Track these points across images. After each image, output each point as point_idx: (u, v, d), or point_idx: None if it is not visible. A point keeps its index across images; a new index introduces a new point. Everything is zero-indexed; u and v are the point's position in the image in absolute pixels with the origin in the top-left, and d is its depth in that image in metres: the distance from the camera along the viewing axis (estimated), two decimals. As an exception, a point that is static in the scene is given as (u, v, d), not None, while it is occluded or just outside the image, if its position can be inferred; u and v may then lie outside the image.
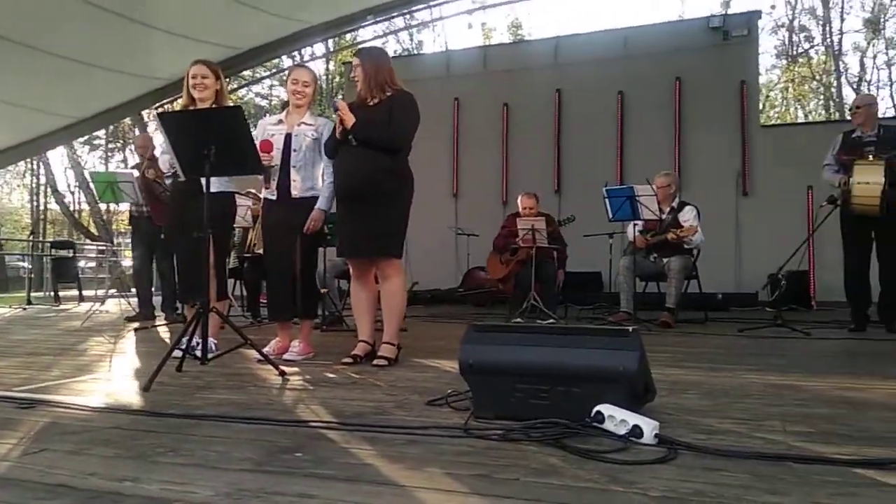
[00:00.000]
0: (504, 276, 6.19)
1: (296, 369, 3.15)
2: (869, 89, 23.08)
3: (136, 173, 5.55)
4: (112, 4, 7.49)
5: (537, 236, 5.65)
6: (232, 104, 3.92)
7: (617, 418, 1.85)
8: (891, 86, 23.37)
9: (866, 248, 4.91)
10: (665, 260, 5.54)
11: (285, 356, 3.43)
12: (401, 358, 3.37)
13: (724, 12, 17.73)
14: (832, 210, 4.86)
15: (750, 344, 4.41)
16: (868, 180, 4.50)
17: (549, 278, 5.99)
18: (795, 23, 24.58)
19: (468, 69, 9.43)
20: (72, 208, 25.23)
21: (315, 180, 3.56)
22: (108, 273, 12.16)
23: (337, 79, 23.36)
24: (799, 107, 25.84)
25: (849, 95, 22.67)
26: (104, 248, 13.72)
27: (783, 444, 1.82)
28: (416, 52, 22.34)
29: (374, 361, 3.22)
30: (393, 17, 12.59)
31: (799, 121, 23.36)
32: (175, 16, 8.07)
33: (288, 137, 3.53)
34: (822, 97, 25.03)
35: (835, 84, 23.08)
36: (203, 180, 2.99)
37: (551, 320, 5.61)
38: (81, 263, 14.36)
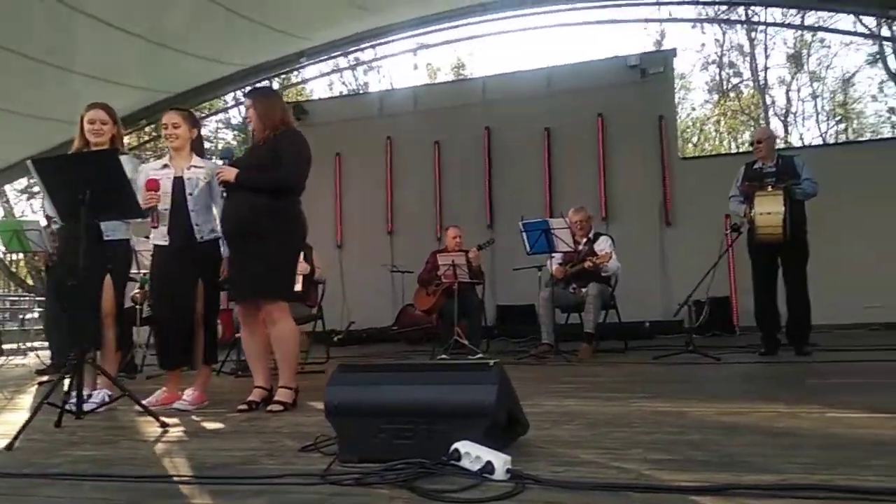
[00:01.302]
0: (430, 306, 6.19)
1: (181, 420, 3.03)
2: (795, 120, 24.25)
3: (43, 221, 5.38)
4: (32, 50, 7.36)
5: (458, 271, 5.66)
6: (125, 149, 3.85)
7: (472, 455, 1.82)
8: (816, 116, 24.58)
9: (772, 273, 5.08)
10: (584, 289, 5.62)
11: (176, 405, 3.31)
12: (300, 401, 3.29)
13: (657, 49, 18.44)
14: (736, 238, 5.02)
15: (661, 371, 4.47)
16: (769, 210, 4.68)
17: (474, 313, 6.00)
18: (724, 59, 25.77)
19: (400, 108, 9.52)
20: (8, 259, 24.26)
21: (214, 223, 3.49)
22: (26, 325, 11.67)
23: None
24: (731, 139, 26.87)
25: (776, 127, 23.76)
26: (27, 297, 13.17)
27: (634, 472, 1.82)
28: (362, 92, 22.38)
29: (269, 407, 3.13)
30: (330, 59, 12.72)
31: (720, 152, 24.20)
32: (98, 60, 7.98)
33: (179, 181, 3.46)
34: (752, 129, 26.13)
35: (763, 117, 24.14)
36: (95, 223, 2.90)
37: (479, 355, 5.60)
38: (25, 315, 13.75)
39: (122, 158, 3.12)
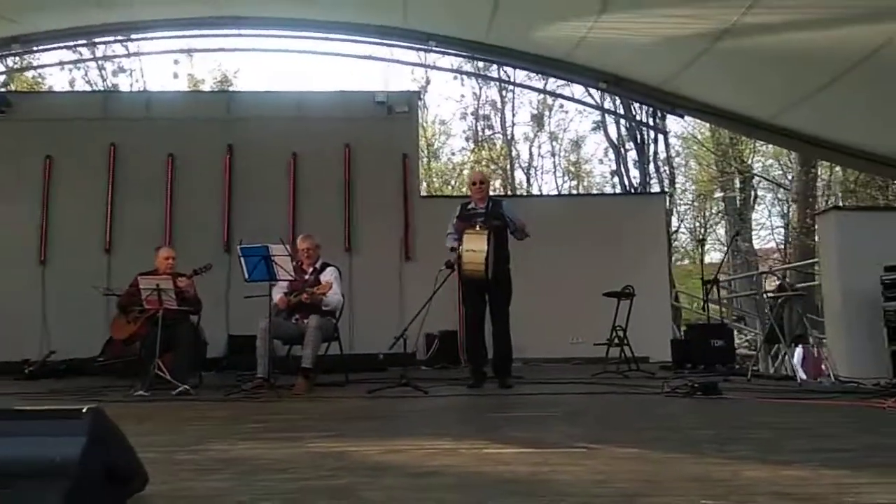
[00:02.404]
0: (129, 335, 5.51)
1: None
2: (536, 174, 27.07)
3: None
4: None
5: (164, 297, 5.11)
6: None
7: (34, 527, 1.48)
8: (554, 171, 27.63)
9: (480, 309, 5.36)
10: (306, 321, 5.41)
11: None
12: None
13: (416, 90, 19.31)
14: (449, 274, 5.23)
15: (369, 406, 4.42)
16: (474, 248, 4.95)
17: (183, 344, 5.45)
18: (480, 111, 27.96)
19: (129, 113, 8.60)
20: None
21: None
22: None
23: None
24: (484, 185, 29.09)
25: (520, 179, 26.34)
26: None
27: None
28: (82, 90, 19.90)
29: None
30: (63, 48, 11.18)
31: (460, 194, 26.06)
32: None
33: None
34: (501, 178, 28.59)
35: (509, 167, 26.57)
36: None
37: (181, 389, 5.07)
38: None
39: None
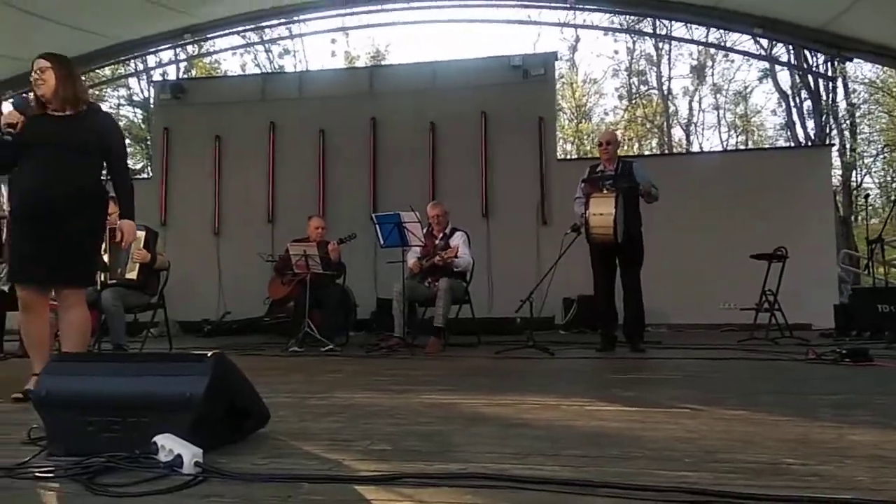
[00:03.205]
0: (283, 296, 6.11)
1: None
2: (696, 131, 25.36)
3: None
4: None
5: (311, 262, 5.59)
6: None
7: (167, 448, 1.78)
8: (718, 126, 25.71)
9: (611, 273, 5.26)
10: (437, 283, 5.66)
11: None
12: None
13: (552, 51, 18.82)
14: (575, 237, 5.19)
15: (492, 365, 4.57)
16: (601, 212, 4.85)
17: (331, 305, 5.94)
18: (634, 67, 26.61)
19: (284, 94, 9.32)
20: None
21: None
22: None
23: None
24: (639, 144, 27.79)
25: (679, 137, 24.83)
26: None
27: (332, 462, 1.83)
28: (244, 74, 21.62)
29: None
30: (233, 34, 12.26)
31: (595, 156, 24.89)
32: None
33: None
34: (657, 137, 27.15)
35: (666, 124, 25.13)
36: None
37: (328, 347, 5.55)
38: None
39: None
